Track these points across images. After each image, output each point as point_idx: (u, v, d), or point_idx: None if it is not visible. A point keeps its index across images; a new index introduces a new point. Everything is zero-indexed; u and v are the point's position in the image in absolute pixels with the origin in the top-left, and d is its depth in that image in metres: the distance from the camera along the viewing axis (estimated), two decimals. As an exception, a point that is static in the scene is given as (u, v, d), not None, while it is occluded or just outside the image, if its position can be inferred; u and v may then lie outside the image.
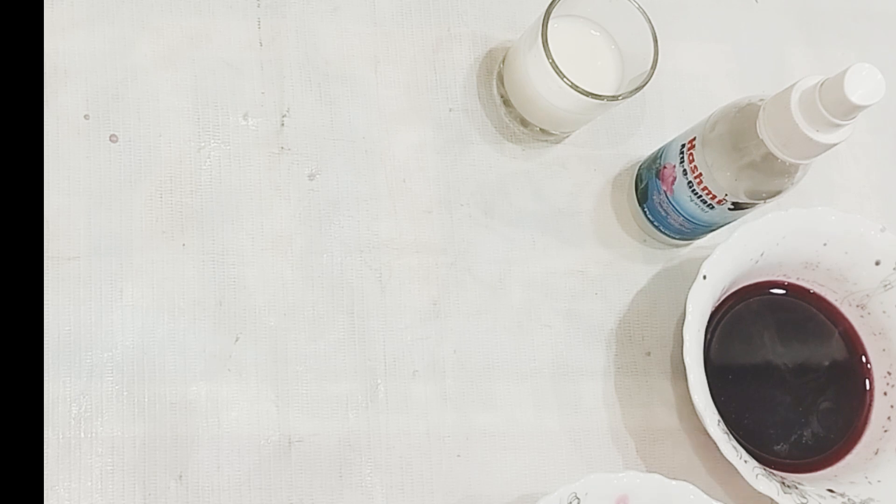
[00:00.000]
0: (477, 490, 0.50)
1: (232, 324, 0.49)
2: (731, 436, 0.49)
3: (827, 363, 0.55)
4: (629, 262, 0.56)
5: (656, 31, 0.50)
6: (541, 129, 0.55)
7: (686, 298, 0.49)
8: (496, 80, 0.56)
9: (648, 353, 0.55)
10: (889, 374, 0.55)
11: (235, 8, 0.54)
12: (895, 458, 0.52)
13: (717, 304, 0.54)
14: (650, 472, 0.48)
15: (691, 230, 0.54)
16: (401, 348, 0.51)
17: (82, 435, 0.46)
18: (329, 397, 0.50)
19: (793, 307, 0.56)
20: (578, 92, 0.49)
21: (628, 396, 0.53)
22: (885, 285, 0.54)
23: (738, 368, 0.54)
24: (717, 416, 0.49)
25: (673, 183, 0.51)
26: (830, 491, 0.50)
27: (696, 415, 0.49)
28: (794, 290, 0.56)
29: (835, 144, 0.44)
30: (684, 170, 0.50)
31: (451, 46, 0.57)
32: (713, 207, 0.50)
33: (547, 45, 0.49)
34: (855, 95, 0.41)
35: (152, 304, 0.49)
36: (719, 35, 0.62)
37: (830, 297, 0.56)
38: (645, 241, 0.57)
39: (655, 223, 0.55)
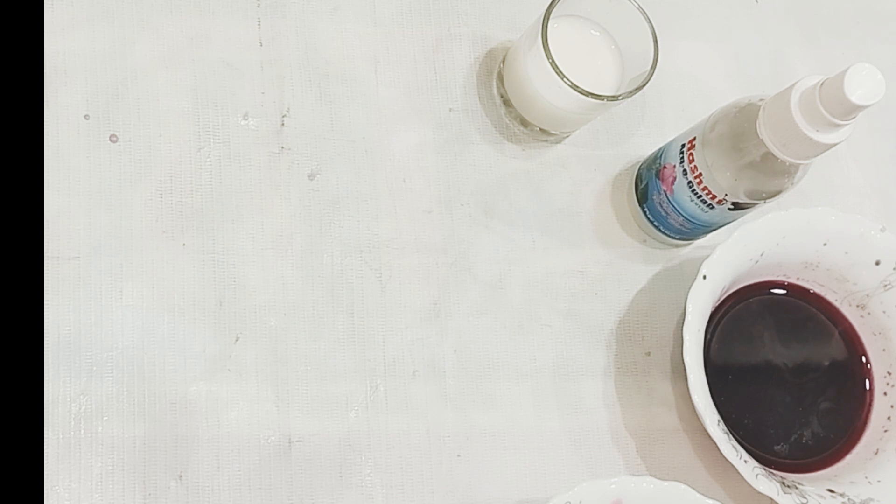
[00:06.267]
0: (477, 490, 0.50)
1: (232, 324, 0.49)
2: (731, 436, 0.49)
3: (827, 363, 0.55)
4: (629, 262, 0.56)
5: (656, 31, 0.50)
6: (541, 129, 0.55)
7: (686, 298, 0.49)
8: (496, 80, 0.56)
9: (648, 353, 0.55)
10: (889, 374, 0.55)
11: (235, 8, 0.54)
12: (895, 458, 0.52)
13: (717, 304, 0.54)
14: (648, 472, 0.48)
15: (691, 230, 0.54)
16: (401, 348, 0.51)
17: (82, 435, 0.46)
18: (329, 397, 0.50)
19: (793, 307, 0.56)
20: (578, 92, 0.49)
21: (628, 396, 0.53)
22: (885, 285, 0.54)
23: (738, 368, 0.54)
24: (717, 416, 0.49)
25: (673, 183, 0.51)
26: (830, 491, 0.50)
27: (696, 415, 0.49)
28: (794, 290, 0.56)
29: (835, 144, 0.44)
30: (684, 170, 0.50)
31: (451, 46, 0.57)
32: (713, 207, 0.50)
33: (547, 45, 0.49)
34: (855, 95, 0.41)
35: (152, 304, 0.49)
36: (719, 35, 0.62)
37: (830, 297, 0.56)
38: (645, 241, 0.57)
39: (655, 223, 0.55)
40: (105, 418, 0.47)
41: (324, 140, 0.53)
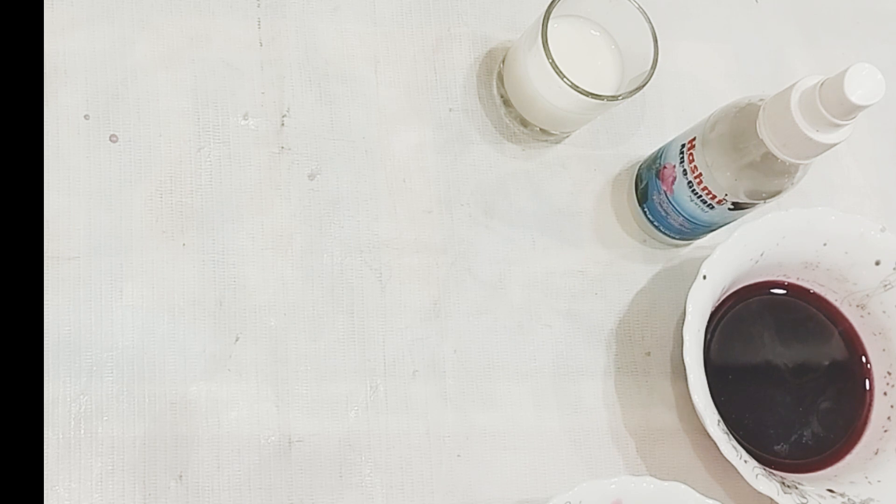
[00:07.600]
0: (477, 490, 0.50)
1: (232, 324, 0.49)
2: (731, 436, 0.49)
3: (827, 363, 0.55)
4: (629, 262, 0.56)
5: (656, 31, 0.50)
6: (541, 129, 0.55)
7: (686, 298, 0.49)
8: (496, 80, 0.56)
9: (648, 353, 0.55)
10: (889, 374, 0.55)
11: (235, 8, 0.54)
12: (895, 458, 0.52)
13: (717, 304, 0.54)
14: (648, 472, 0.48)
15: (691, 230, 0.54)
16: (401, 348, 0.51)
17: (82, 435, 0.46)
18: (329, 397, 0.50)
19: (793, 307, 0.56)
20: (578, 92, 0.49)
21: (628, 396, 0.53)
22: (885, 285, 0.54)
23: (738, 368, 0.54)
24: (717, 416, 0.49)
25: (673, 183, 0.51)
26: (830, 491, 0.50)
27: (696, 415, 0.49)
28: (794, 290, 0.56)
29: (835, 144, 0.44)
30: (684, 170, 0.50)
31: (451, 46, 0.57)
32: (713, 207, 0.50)
33: (547, 45, 0.49)
34: (855, 95, 0.41)
35: (152, 304, 0.49)
36: (719, 35, 0.62)
37: (830, 297, 0.56)
38: (645, 241, 0.57)
39: (655, 223, 0.55)
40: (105, 418, 0.47)
41: (324, 140, 0.53)
